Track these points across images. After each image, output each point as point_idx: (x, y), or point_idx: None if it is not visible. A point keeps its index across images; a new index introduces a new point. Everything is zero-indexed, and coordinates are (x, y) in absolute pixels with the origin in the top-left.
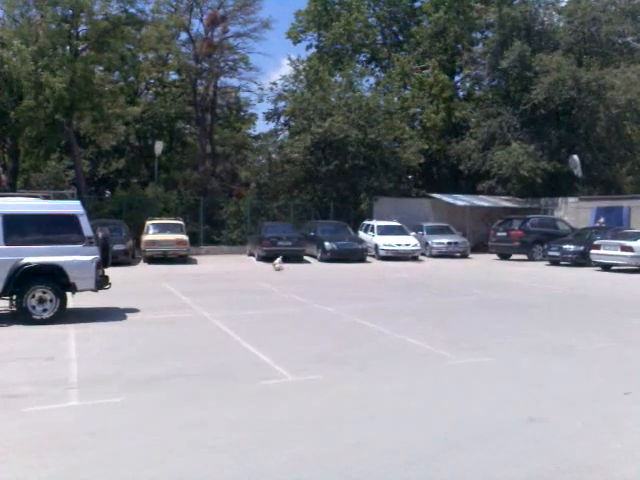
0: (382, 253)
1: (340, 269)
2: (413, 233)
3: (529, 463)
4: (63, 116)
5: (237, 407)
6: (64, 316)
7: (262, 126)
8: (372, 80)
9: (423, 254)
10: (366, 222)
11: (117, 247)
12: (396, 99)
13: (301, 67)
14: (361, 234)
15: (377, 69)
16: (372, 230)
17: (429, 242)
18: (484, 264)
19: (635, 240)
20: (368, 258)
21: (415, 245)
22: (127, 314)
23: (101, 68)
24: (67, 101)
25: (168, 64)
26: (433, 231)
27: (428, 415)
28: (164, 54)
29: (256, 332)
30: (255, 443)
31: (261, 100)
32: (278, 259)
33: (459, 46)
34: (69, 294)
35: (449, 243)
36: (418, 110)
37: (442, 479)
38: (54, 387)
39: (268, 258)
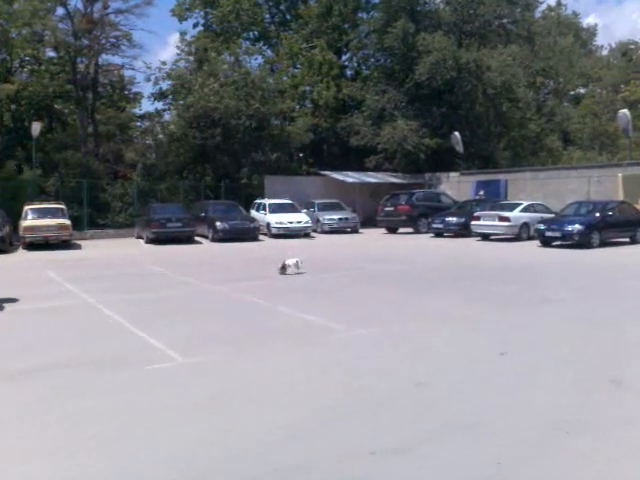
0: (274, 231)
1: (232, 248)
2: (305, 210)
3: (414, 425)
4: None
5: (122, 394)
6: None
7: (148, 105)
8: (260, 59)
9: (315, 230)
10: (258, 201)
11: None
12: (285, 78)
13: (189, 46)
14: (253, 213)
15: (266, 48)
16: (264, 208)
17: (320, 219)
18: (374, 238)
19: (511, 211)
20: (261, 236)
21: (307, 222)
22: (4, 304)
23: None
24: None
25: (44, 40)
26: (324, 208)
27: (317, 388)
28: (39, 30)
29: (146, 316)
30: (138, 430)
31: (149, 80)
32: (290, 260)
33: (346, 26)
34: None
35: (340, 219)
36: (308, 88)
37: (325, 449)
38: None
39: (158, 240)
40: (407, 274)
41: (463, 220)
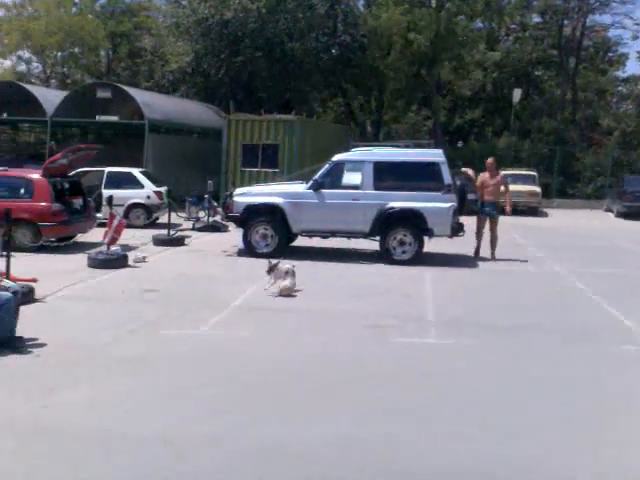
0: None
1: None
2: None
3: None
4: (425, 69)
5: (588, 368)
6: (420, 259)
7: (633, 67)
8: None
9: None
10: None
11: (469, 197)
12: None
13: None
14: None
15: None
16: None
17: None
18: None
19: None
20: None
21: None
22: (479, 262)
23: (463, 17)
24: (430, 55)
25: (532, 6)
26: None
27: None
28: None
29: (615, 292)
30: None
31: (635, 37)
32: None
33: None
34: (426, 238)
35: None
36: None
37: None
38: (413, 322)
39: (629, 215)
40: None
41: None
